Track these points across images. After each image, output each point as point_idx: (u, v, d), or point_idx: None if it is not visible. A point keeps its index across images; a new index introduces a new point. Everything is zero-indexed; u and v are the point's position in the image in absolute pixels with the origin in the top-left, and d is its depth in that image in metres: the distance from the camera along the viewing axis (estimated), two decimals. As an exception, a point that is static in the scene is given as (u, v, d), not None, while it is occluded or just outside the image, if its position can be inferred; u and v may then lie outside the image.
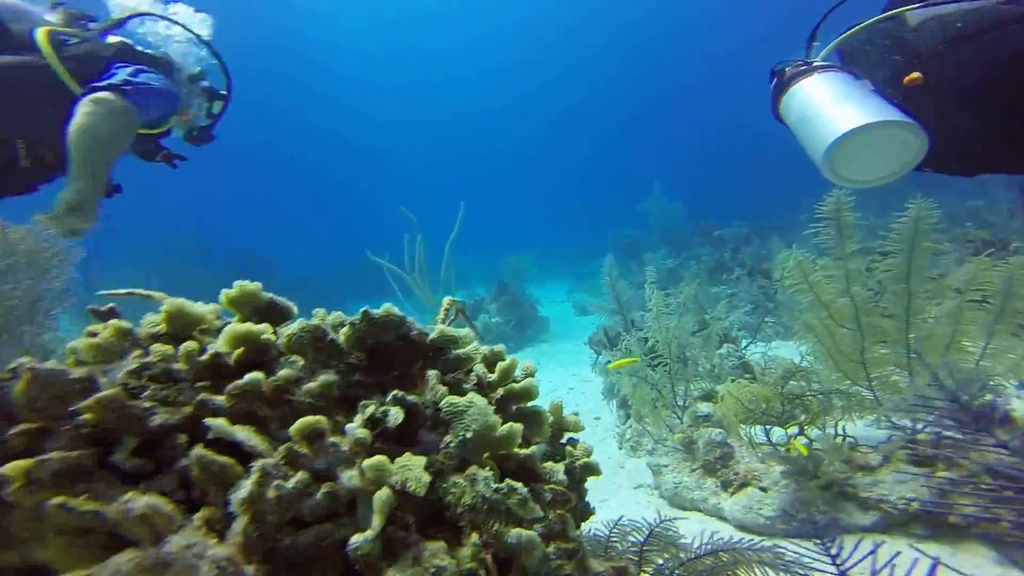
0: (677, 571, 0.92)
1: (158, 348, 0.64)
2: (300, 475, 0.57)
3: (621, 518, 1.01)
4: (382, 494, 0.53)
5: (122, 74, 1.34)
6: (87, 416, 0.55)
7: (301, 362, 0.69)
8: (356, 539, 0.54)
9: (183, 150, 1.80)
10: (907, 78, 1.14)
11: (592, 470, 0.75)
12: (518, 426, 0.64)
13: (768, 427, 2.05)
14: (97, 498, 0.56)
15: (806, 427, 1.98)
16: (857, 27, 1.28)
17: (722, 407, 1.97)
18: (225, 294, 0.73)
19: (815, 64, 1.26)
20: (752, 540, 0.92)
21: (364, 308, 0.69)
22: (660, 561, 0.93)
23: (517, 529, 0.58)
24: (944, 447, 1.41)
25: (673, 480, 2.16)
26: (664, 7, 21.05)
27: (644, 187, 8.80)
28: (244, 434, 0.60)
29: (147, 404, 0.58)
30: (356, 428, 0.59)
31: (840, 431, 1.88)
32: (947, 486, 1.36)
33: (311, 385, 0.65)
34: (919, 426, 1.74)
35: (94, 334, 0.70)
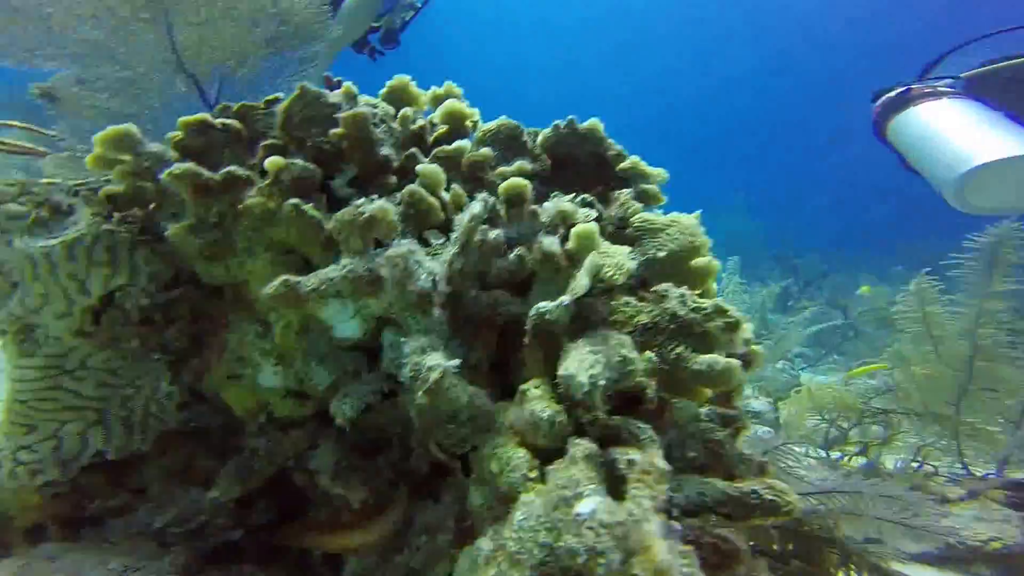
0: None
1: (383, 106, 0.67)
2: (497, 232, 0.58)
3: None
4: (594, 257, 0.52)
5: None
6: (336, 132, 0.58)
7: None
8: (547, 304, 0.53)
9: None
10: None
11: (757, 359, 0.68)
12: (716, 263, 0.62)
13: (827, 447, 1.94)
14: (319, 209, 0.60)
15: (872, 447, 1.85)
16: (1020, 59, 1.18)
17: (791, 402, 1.87)
18: (432, 90, 0.76)
19: (941, 89, 1.22)
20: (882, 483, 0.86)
21: (571, 116, 0.68)
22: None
23: (711, 355, 0.51)
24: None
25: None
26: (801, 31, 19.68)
27: (719, 200, 8.39)
28: (447, 194, 0.62)
29: (379, 136, 0.61)
30: (561, 200, 0.59)
31: (920, 459, 1.75)
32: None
33: (506, 168, 0.66)
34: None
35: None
